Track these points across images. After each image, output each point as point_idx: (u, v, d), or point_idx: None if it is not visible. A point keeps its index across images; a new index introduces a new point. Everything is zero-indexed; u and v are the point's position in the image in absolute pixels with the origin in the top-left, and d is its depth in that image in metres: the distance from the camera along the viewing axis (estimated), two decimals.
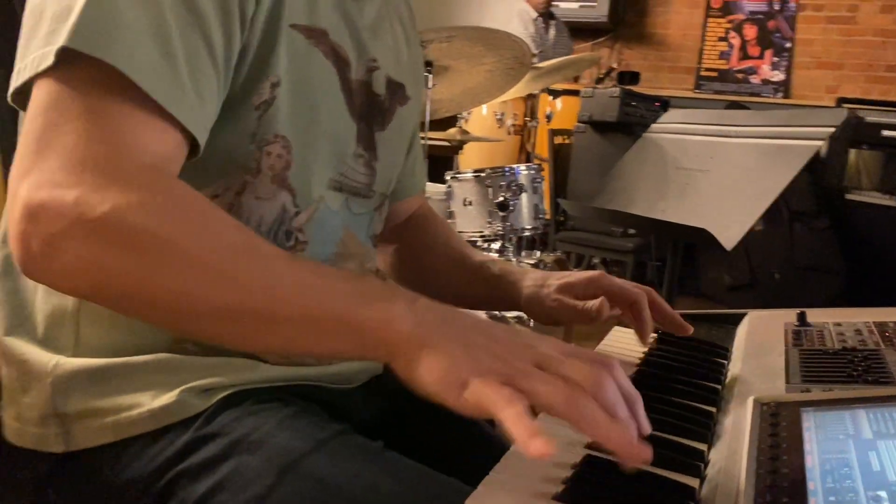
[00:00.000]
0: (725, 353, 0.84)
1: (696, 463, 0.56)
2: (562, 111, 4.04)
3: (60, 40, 0.54)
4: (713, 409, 0.67)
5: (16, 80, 0.57)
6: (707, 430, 0.62)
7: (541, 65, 2.64)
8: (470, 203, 2.37)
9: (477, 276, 0.93)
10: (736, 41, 5.52)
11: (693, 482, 0.53)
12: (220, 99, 0.63)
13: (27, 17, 0.59)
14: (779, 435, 0.56)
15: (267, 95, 0.66)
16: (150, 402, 0.64)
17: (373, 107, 0.79)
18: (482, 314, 1.34)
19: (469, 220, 2.39)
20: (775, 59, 5.43)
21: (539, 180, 2.43)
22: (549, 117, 4.05)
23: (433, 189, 2.54)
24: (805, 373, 0.72)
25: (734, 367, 0.79)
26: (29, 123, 0.55)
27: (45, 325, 0.68)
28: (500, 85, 2.13)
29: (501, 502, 0.50)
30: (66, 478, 0.67)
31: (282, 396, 0.66)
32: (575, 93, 4.02)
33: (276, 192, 0.69)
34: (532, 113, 4.07)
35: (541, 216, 2.41)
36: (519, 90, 2.85)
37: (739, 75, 5.54)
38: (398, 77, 0.83)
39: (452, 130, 2.79)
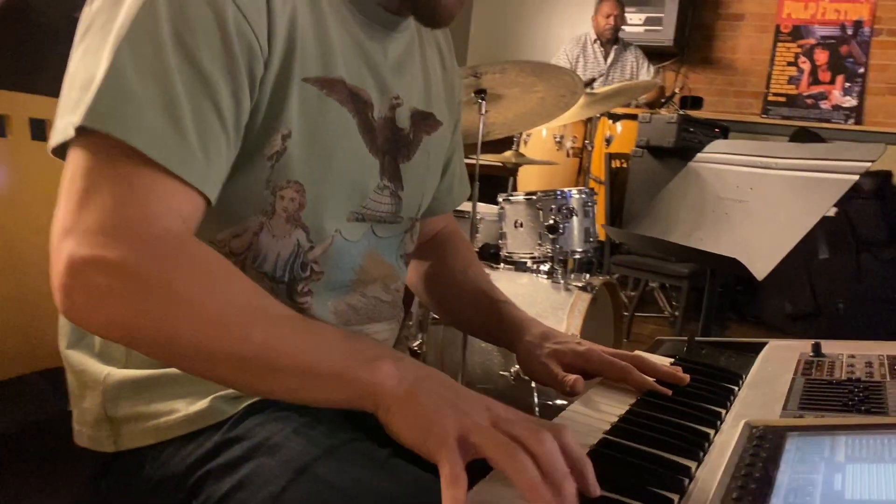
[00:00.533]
0: (737, 379, 0.88)
1: (679, 478, 0.61)
2: (622, 135, 4.06)
3: (80, 116, 0.62)
4: (710, 431, 0.71)
5: (52, 140, 0.66)
6: (699, 448, 0.67)
7: (596, 91, 2.68)
8: (521, 225, 2.43)
9: (487, 313, 1.00)
10: (806, 66, 5.43)
11: (673, 496, 0.58)
12: (230, 156, 0.70)
13: (66, 80, 0.67)
14: (759, 455, 0.61)
15: (278, 147, 0.73)
16: (186, 408, 0.72)
17: (397, 140, 0.86)
18: None
19: (520, 242, 2.44)
20: (847, 84, 5.32)
21: (591, 204, 2.46)
22: (608, 141, 4.09)
23: (485, 210, 2.61)
24: (804, 400, 0.76)
25: (742, 393, 0.83)
26: (68, 184, 0.64)
27: (101, 340, 0.78)
28: (551, 111, 2.19)
29: (500, 494, 0.56)
30: (115, 474, 0.76)
31: (299, 407, 0.73)
32: (635, 117, 4.04)
33: (291, 231, 0.77)
34: (591, 136, 4.11)
35: (592, 239, 2.44)
36: (575, 114, 2.90)
37: (809, 101, 5.45)
38: (425, 107, 0.91)
39: (508, 153, 2.85)
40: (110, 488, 0.76)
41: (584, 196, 2.45)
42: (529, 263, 2.41)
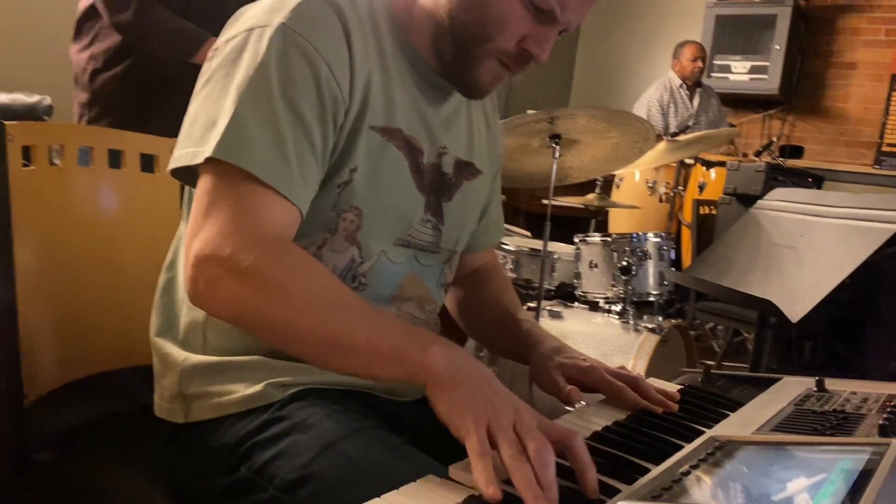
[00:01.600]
0: (735, 406, 0.94)
1: (631, 474, 0.69)
2: (715, 181, 4.05)
3: (210, 149, 0.80)
4: (683, 443, 0.79)
5: (173, 164, 0.85)
6: (664, 455, 0.75)
7: (678, 138, 2.73)
8: (595, 266, 2.50)
9: (509, 331, 1.12)
10: None
11: (621, 486, 0.67)
12: (318, 181, 0.87)
13: (187, 117, 0.86)
14: (707, 461, 0.69)
15: (346, 178, 0.89)
16: (244, 390, 0.87)
17: (441, 183, 1.01)
18: None
19: (594, 282, 2.52)
20: None
21: (666, 248, 2.51)
22: (701, 187, 4.08)
23: (562, 249, 2.70)
24: (781, 424, 0.82)
25: (732, 417, 0.89)
26: (197, 199, 0.82)
27: (184, 331, 0.94)
28: (626, 156, 2.27)
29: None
30: (183, 441, 0.91)
31: (335, 396, 0.87)
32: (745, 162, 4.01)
33: (348, 247, 0.92)
34: (684, 181, 4.12)
35: (666, 283, 2.48)
36: (657, 160, 2.96)
37: None
38: (468, 157, 1.05)
39: (591, 196, 2.94)
40: (178, 453, 0.92)
41: (659, 240, 2.50)
42: (602, 303, 2.48)
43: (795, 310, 1.30)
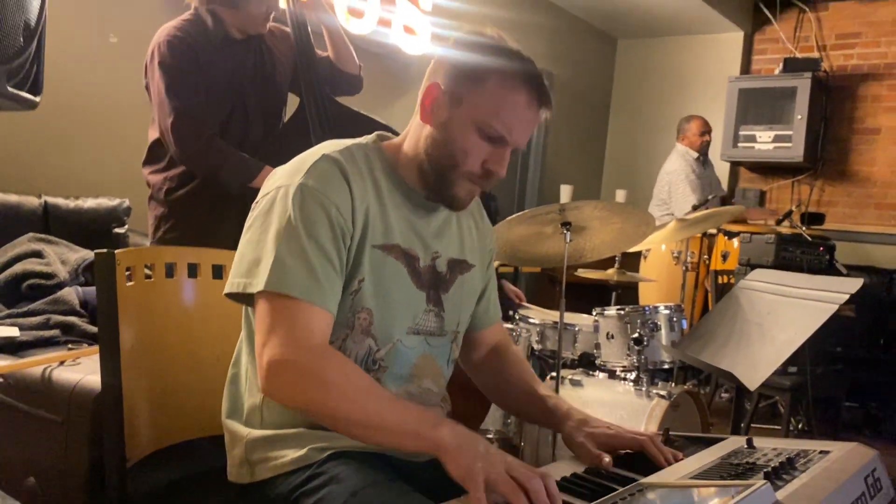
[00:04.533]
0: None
1: None
2: (737, 250, 4.25)
3: (261, 282, 1.11)
4: (618, 487, 1.04)
5: (227, 289, 1.17)
6: (597, 495, 0.99)
7: (686, 217, 2.99)
8: (612, 337, 2.74)
9: (537, 406, 1.40)
10: None
11: None
12: (341, 288, 1.18)
13: (237, 255, 1.19)
14: (625, 499, 0.94)
15: (356, 287, 1.20)
16: (292, 454, 1.16)
17: (438, 280, 1.30)
18: None
19: (612, 352, 2.76)
20: None
21: (677, 319, 2.74)
22: (724, 256, 4.29)
23: (584, 321, 2.94)
24: (700, 473, 1.07)
25: (671, 467, 1.14)
26: (260, 320, 1.12)
27: (247, 412, 1.25)
28: (632, 238, 2.54)
29: None
30: (249, 495, 1.21)
31: (362, 457, 1.15)
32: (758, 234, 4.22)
33: (364, 339, 1.22)
34: (708, 251, 4.34)
35: None
36: (670, 237, 3.20)
37: None
38: (460, 256, 1.35)
39: (610, 271, 3.19)
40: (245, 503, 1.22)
41: (670, 311, 2.74)
42: (619, 372, 2.71)
43: (754, 379, 1.54)
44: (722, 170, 5.70)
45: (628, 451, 1.23)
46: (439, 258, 1.31)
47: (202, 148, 1.99)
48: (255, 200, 1.23)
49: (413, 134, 1.27)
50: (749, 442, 1.23)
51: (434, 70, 1.25)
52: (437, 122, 1.22)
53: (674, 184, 4.86)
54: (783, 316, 1.68)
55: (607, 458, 1.19)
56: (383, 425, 1.06)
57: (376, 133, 1.33)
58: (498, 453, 1.01)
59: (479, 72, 1.19)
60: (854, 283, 1.55)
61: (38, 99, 0.97)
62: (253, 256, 1.15)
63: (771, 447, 1.21)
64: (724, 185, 5.70)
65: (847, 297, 1.53)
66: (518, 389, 1.44)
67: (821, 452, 1.16)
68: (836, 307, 1.53)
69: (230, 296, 1.19)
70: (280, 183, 1.19)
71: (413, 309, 1.27)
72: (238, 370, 1.29)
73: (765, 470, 1.00)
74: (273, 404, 1.20)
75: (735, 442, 1.27)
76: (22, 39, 0.82)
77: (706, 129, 4.89)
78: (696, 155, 4.89)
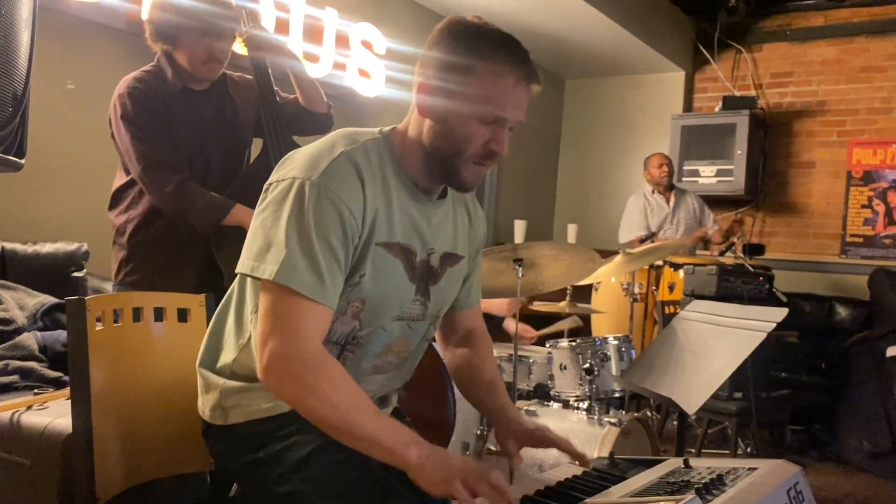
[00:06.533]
0: (616, 480, 1.28)
1: None
2: (683, 281, 4.42)
3: (272, 272, 1.19)
4: None
5: (238, 269, 1.25)
6: None
7: (632, 251, 3.14)
8: (565, 368, 2.85)
9: (490, 401, 1.51)
10: (881, 208, 5.65)
11: None
12: (342, 283, 1.26)
13: (250, 233, 1.26)
14: None
15: (356, 280, 1.29)
16: (265, 403, 1.29)
17: (430, 273, 1.40)
18: None
19: (565, 383, 2.86)
20: None
21: (626, 349, 2.86)
22: (671, 287, 4.46)
23: (538, 353, 3.05)
24: (640, 492, 1.16)
25: (612, 487, 1.24)
26: (263, 309, 1.21)
27: (219, 365, 1.37)
28: (580, 272, 2.67)
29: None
30: (222, 435, 1.35)
31: None
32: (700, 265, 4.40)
33: (351, 322, 1.32)
34: (657, 282, 4.50)
35: None
36: (618, 270, 3.34)
37: (887, 241, 5.62)
38: (453, 249, 1.45)
39: (562, 304, 3.31)
40: (217, 434, 1.37)
41: (618, 342, 2.86)
42: (573, 401, 2.81)
43: (691, 404, 1.65)
44: None
45: (574, 466, 1.37)
46: (434, 253, 1.40)
47: (172, 192, 2.05)
48: (269, 182, 1.30)
49: (414, 126, 1.34)
50: (686, 462, 1.33)
51: (423, 65, 1.31)
52: (435, 115, 1.29)
53: (624, 216, 5.07)
54: (716, 344, 1.80)
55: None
56: (361, 435, 1.16)
57: (390, 126, 1.39)
58: (458, 460, 1.13)
59: (465, 63, 1.26)
60: (780, 312, 1.68)
61: (22, 161, 1.03)
62: (264, 241, 1.23)
63: (706, 466, 1.32)
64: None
65: (774, 325, 1.66)
66: (480, 381, 1.54)
67: (749, 469, 1.27)
68: (765, 335, 1.66)
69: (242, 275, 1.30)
70: (296, 174, 1.25)
71: (402, 300, 1.37)
72: (221, 325, 1.40)
73: (696, 486, 1.11)
74: (243, 366, 1.33)
75: (673, 463, 1.37)
76: (10, 109, 0.89)
77: (663, 162, 5.03)
78: (651, 189, 5.05)
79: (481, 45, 1.27)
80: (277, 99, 2.30)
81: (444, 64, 1.28)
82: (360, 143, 1.31)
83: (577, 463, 1.38)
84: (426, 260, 1.38)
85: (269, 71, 2.29)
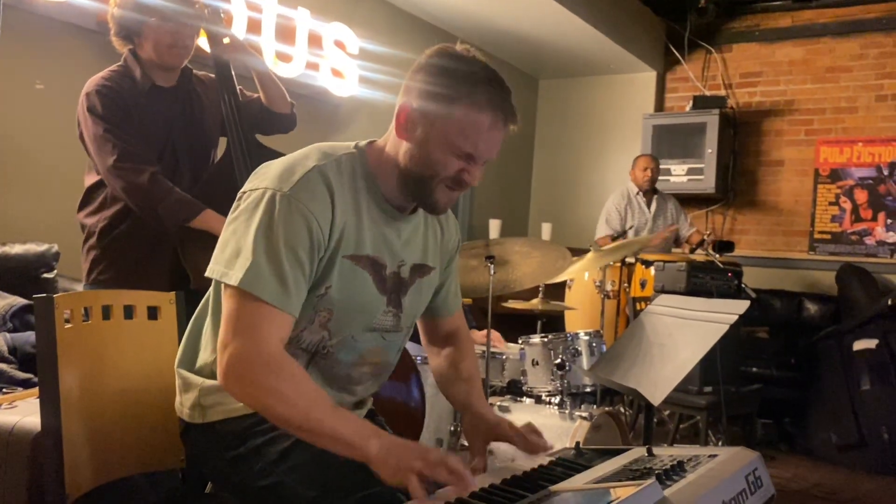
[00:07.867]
0: (582, 468, 1.31)
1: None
2: (654, 278, 4.47)
3: (237, 278, 1.22)
4: (528, 494, 1.15)
5: (208, 273, 1.29)
6: (510, 501, 1.11)
7: (601, 249, 3.18)
8: (537, 363, 2.89)
9: (463, 396, 1.55)
10: (847, 205, 5.75)
11: None
12: (306, 292, 1.29)
13: (221, 239, 1.30)
14: (534, 502, 1.05)
15: (323, 291, 1.32)
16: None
17: (400, 285, 1.43)
18: None
19: (537, 378, 2.89)
20: (889, 221, 5.59)
21: (597, 344, 2.90)
22: (643, 284, 4.51)
23: (510, 349, 3.08)
24: (604, 478, 1.19)
25: (580, 474, 1.26)
26: (226, 314, 1.24)
27: (199, 365, 1.40)
28: (550, 271, 2.70)
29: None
30: (202, 434, 1.36)
31: None
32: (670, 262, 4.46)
33: (320, 331, 1.35)
34: (628, 279, 4.55)
35: None
36: (590, 266, 3.38)
37: (854, 237, 5.73)
38: (423, 261, 1.47)
39: (535, 301, 3.34)
40: (197, 439, 1.40)
41: (589, 337, 2.90)
42: (545, 396, 2.84)
43: (656, 395, 1.69)
44: None
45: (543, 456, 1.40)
46: (404, 265, 1.43)
47: (147, 182, 2.04)
48: (242, 190, 1.33)
49: (392, 145, 1.37)
50: (649, 450, 1.36)
51: (407, 90, 1.35)
52: (413, 139, 1.33)
53: (602, 213, 5.13)
54: (681, 337, 1.84)
55: (480, 459, 1.42)
56: (322, 432, 1.19)
57: (367, 141, 1.42)
58: (417, 448, 1.16)
59: (447, 96, 1.30)
60: (742, 305, 1.72)
61: None
62: (234, 247, 1.26)
63: (668, 454, 1.35)
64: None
65: (736, 316, 1.70)
66: (458, 377, 1.58)
67: (709, 456, 1.30)
68: (727, 326, 1.70)
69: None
70: (269, 185, 1.28)
71: (373, 311, 1.40)
72: (199, 327, 1.42)
73: (657, 472, 1.14)
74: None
75: (637, 452, 1.40)
76: None
77: (647, 165, 5.06)
78: (636, 190, 5.09)
79: (465, 82, 1.30)
80: (240, 97, 2.30)
81: (427, 94, 1.32)
82: (333, 157, 1.35)
83: (540, 455, 1.40)
84: (396, 272, 1.42)
85: (231, 68, 2.29)
